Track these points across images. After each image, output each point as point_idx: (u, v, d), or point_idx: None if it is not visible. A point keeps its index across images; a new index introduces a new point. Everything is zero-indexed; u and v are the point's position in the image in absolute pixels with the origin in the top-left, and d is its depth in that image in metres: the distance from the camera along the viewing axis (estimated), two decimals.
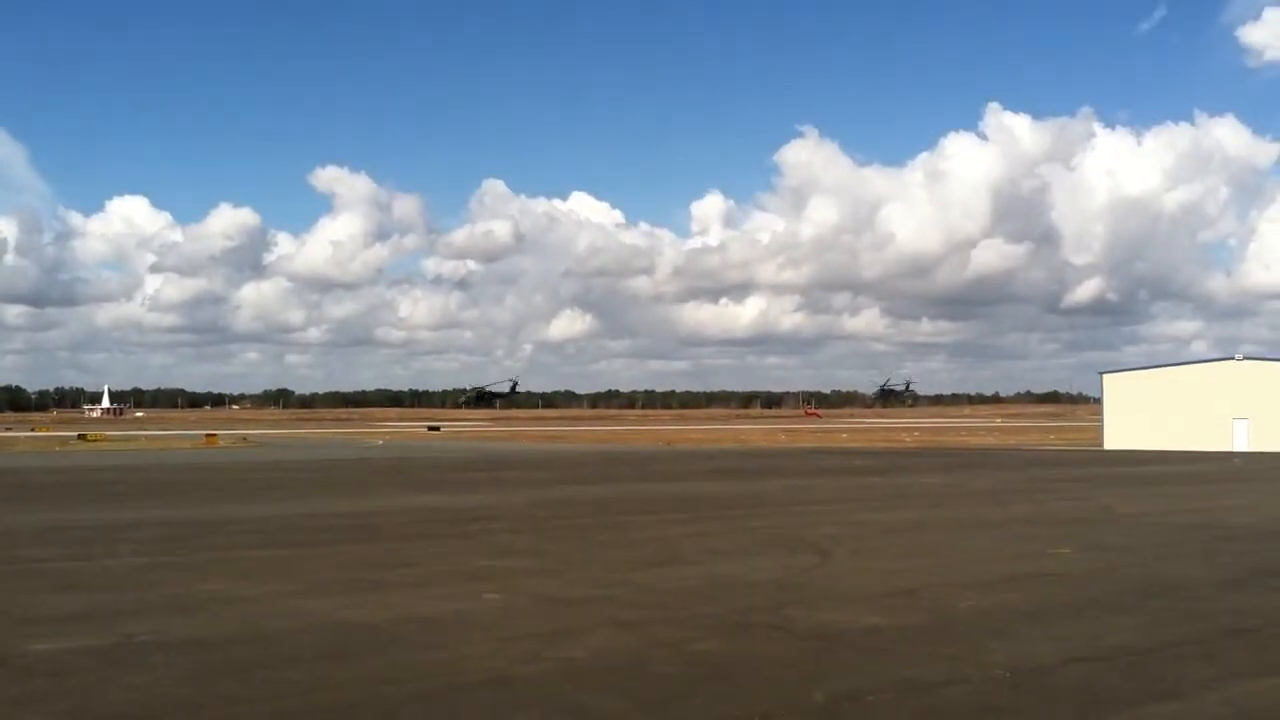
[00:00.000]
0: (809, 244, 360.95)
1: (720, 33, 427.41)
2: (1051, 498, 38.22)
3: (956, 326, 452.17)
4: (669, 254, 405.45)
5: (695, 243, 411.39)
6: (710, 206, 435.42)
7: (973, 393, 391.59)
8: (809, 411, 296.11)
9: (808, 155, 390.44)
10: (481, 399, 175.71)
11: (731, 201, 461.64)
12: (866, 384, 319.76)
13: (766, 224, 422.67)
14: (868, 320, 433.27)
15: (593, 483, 46.87)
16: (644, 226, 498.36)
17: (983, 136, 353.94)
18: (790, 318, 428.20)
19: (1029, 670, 12.40)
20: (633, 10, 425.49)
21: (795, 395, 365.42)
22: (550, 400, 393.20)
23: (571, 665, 12.63)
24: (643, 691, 11.56)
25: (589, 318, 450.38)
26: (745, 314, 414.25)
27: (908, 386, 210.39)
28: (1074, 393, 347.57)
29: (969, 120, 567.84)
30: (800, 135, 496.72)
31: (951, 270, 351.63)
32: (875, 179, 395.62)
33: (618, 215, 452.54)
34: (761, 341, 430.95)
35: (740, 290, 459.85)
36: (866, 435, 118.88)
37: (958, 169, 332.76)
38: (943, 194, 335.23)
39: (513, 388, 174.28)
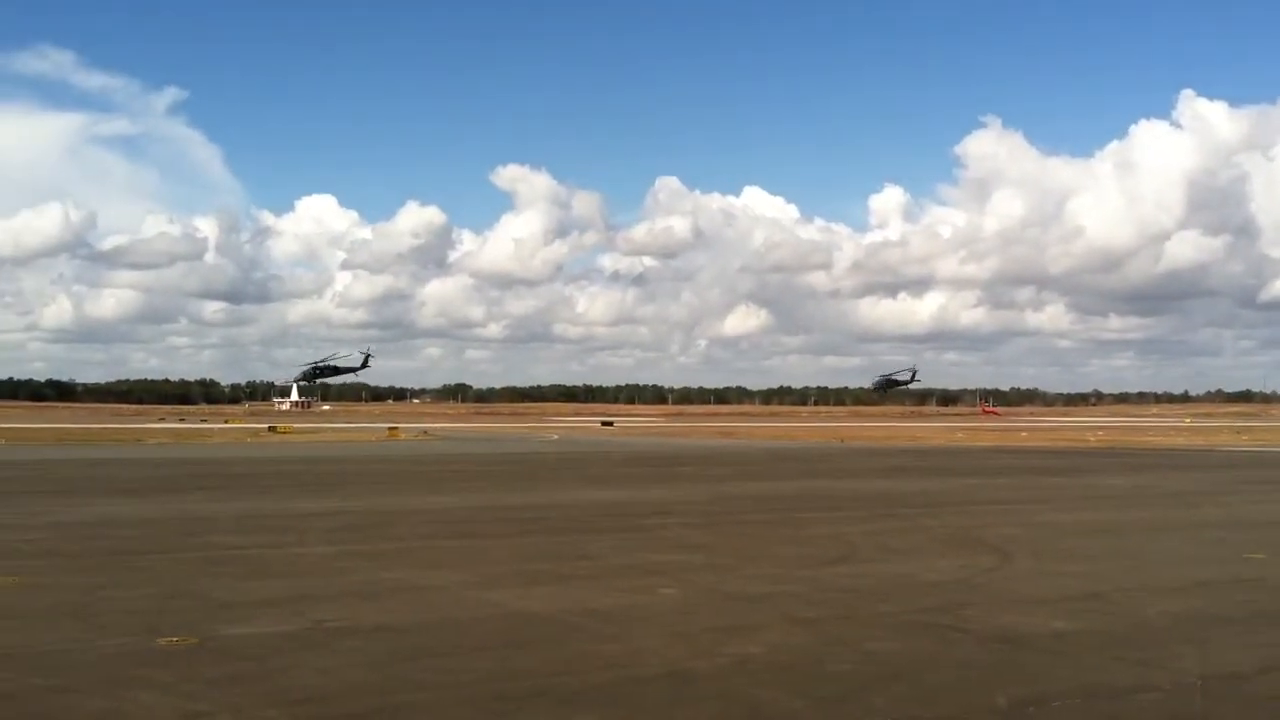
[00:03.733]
0: (992, 237, 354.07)
1: (897, 22, 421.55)
2: (1244, 500, 36.68)
3: (1146, 323, 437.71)
4: (847, 248, 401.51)
5: (873, 237, 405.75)
6: (889, 200, 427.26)
7: (1160, 391, 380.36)
8: (987, 409, 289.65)
9: (991, 146, 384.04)
10: (323, 373, 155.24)
11: (910, 194, 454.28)
12: (1050, 382, 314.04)
13: (947, 217, 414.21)
14: (1052, 316, 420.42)
15: (766, 479, 46.72)
16: (820, 221, 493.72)
17: (1176, 125, 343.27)
18: (970, 313, 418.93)
19: (1223, 678, 11.96)
20: (805, 4, 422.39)
21: (973, 393, 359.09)
22: (723, 396, 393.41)
23: (748, 661, 12.64)
24: (819, 689, 11.50)
25: (764, 313, 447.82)
26: (924, 309, 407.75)
27: (913, 376, 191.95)
28: (1268, 391, 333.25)
29: (1161, 108, 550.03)
30: (983, 126, 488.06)
31: (1142, 264, 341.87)
32: (1062, 170, 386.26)
33: (792, 210, 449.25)
34: (939, 337, 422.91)
35: (919, 285, 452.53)
36: (1048, 434, 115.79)
37: (1150, 159, 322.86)
38: (1134, 185, 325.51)
39: (364, 361, 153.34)
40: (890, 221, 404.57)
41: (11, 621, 14.77)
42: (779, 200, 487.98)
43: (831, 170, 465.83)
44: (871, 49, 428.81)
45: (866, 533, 25.76)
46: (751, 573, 19.38)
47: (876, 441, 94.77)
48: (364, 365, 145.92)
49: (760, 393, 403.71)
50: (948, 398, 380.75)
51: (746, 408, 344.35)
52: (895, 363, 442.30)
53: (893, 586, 18.01)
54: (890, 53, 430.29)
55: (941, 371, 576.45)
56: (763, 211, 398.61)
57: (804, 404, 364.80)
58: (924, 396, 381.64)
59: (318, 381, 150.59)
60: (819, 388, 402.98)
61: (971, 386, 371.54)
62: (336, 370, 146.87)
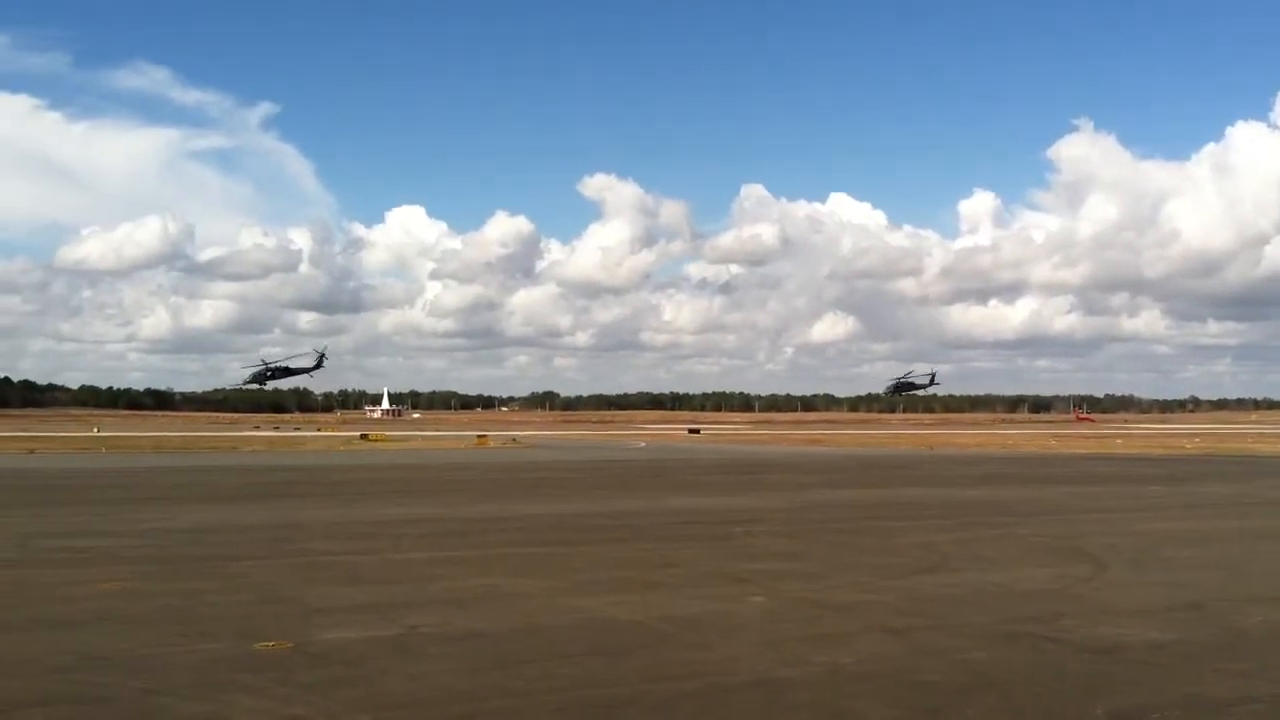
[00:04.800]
0: (1086, 242, 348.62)
1: (987, 25, 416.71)
2: None
3: (1244, 328, 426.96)
4: (937, 254, 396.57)
5: (963, 242, 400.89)
6: (979, 205, 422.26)
7: (1260, 397, 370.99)
8: (1080, 416, 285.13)
9: (1084, 149, 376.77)
10: (274, 375, 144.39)
11: (1001, 199, 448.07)
12: (1145, 388, 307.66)
13: (1039, 222, 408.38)
14: (1147, 321, 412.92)
15: (854, 487, 46.39)
16: (908, 227, 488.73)
17: (1275, 126, 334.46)
18: (1063, 319, 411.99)
19: None
20: (890, 9, 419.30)
21: (1066, 399, 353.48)
22: (810, 403, 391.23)
23: (839, 670, 12.55)
24: (912, 699, 11.39)
25: (851, 320, 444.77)
26: (1015, 315, 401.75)
27: (932, 380, 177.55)
28: None
29: (1258, 109, 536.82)
30: (1075, 129, 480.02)
31: (1241, 268, 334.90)
32: (1157, 173, 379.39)
33: (880, 216, 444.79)
34: (1031, 344, 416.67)
35: (1011, 291, 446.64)
36: (1143, 441, 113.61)
37: (1247, 161, 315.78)
38: (1231, 188, 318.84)
39: (318, 362, 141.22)
40: (981, 227, 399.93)
41: (114, 626, 15.12)
42: (866, 206, 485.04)
43: (920, 176, 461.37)
44: (961, 52, 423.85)
45: (958, 541, 25.44)
46: (840, 581, 19.24)
47: (966, 449, 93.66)
48: (318, 366, 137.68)
49: (848, 400, 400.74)
50: (1040, 404, 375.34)
51: (833, 415, 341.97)
52: (985, 370, 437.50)
53: (985, 596, 17.78)
54: (980, 56, 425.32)
55: (1033, 378, 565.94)
56: (850, 218, 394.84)
57: (892, 412, 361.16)
58: (1015, 403, 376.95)
59: (269, 384, 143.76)
60: (907, 395, 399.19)
61: (1064, 393, 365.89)
62: (289, 371, 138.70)
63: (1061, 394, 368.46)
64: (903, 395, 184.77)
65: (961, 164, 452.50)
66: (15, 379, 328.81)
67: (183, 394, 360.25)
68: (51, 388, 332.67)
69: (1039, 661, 13.19)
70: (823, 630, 14.96)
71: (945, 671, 12.51)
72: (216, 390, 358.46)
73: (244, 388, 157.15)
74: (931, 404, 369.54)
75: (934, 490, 43.79)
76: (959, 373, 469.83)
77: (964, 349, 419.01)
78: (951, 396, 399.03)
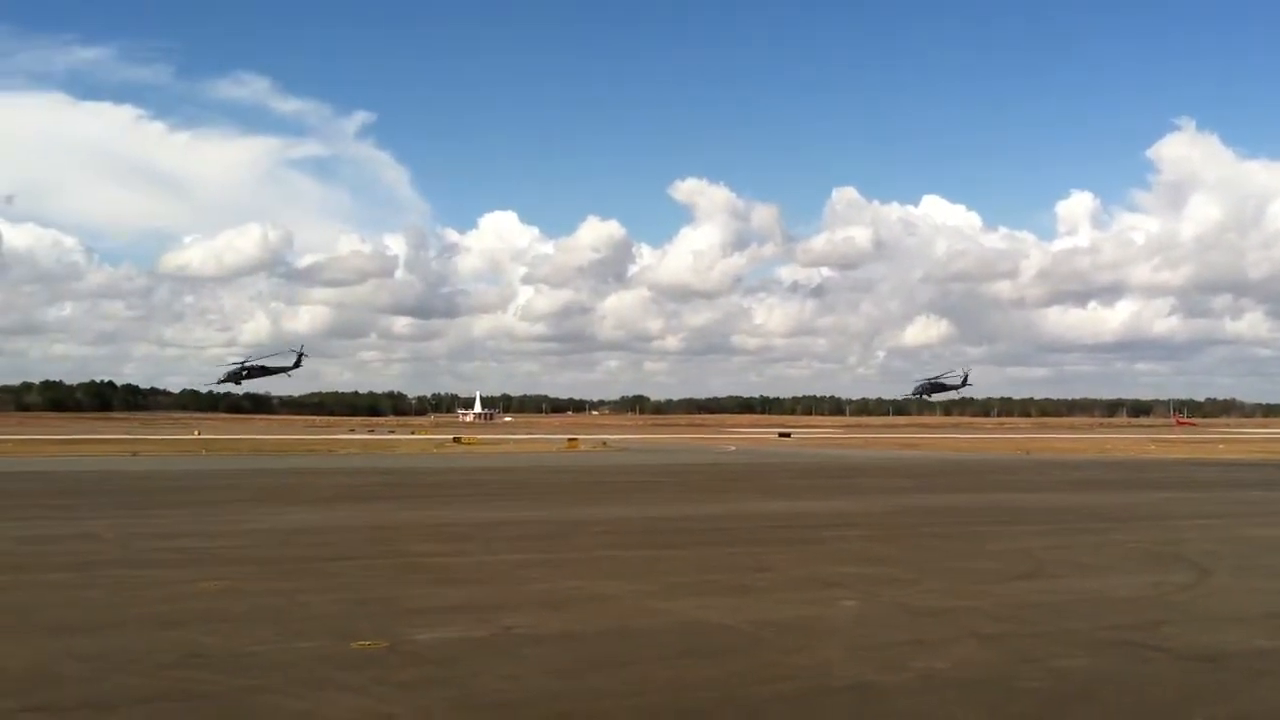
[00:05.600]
0: (1188, 243, 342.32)
1: (1084, 23, 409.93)
2: None
3: None
4: (1034, 256, 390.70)
5: (1062, 244, 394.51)
6: (1077, 206, 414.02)
7: None
8: (1180, 420, 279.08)
9: (1185, 149, 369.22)
10: (251, 374, 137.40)
11: (1100, 200, 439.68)
12: (1248, 392, 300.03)
13: (1139, 223, 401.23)
14: (1251, 323, 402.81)
15: (948, 491, 45.86)
16: (1004, 229, 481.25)
17: None
18: (1164, 321, 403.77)
19: None
20: (986, 8, 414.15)
21: (1165, 403, 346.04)
22: (902, 408, 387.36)
23: (934, 676, 12.41)
24: (1009, 707, 11.24)
25: (944, 323, 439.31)
26: (1114, 318, 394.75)
27: (964, 381, 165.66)
28: None
29: None
30: (1177, 128, 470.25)
31: None
32: (1260, 173, 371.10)
33: (974, 218, 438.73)
34: (1130, 347, 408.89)
35: (1110, 293, 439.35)
36: (1246, 446, 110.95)
37: None
38: None
39: (297, 361, 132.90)
40: (1079, 228, 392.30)
41: (215, 624, 15.42)
42: (960, 208, 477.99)
43: (1015, 177, 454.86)
44: (1056, 51, 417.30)
45: (1054, 547, 25.05)
46: (935, 586, 19.03)
47: (1063, 453, 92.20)
48: (296, 365, 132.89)
49: (940, 404, 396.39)
50: (1139, 409, 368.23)
51: (926, 419, 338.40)
52: (1082, 373, 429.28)
53: (1083, 602, 17.47)
54: (1077, 55, 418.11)
55: (1132, 382, 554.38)
56: (943, 220, 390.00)
57: (986, 415, 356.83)
58: (1114, 407, 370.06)
59: (243, 383, 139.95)
60: (1002, 399, 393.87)
61: (1164, 397, 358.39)
62: (266, 370, 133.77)
63: (1161, 398, 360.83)
64: (931, 397, 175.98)
65: (1059, 164, 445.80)
66: (119, 383, 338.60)
67: (280, 398, 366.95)
68: (154, 391, 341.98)
69: (1138, 669, 12.94)
70: (917, 636, 14.80)
71: (1042, 679, 12.32)
72: (313, 394, 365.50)
73: (218, 387, 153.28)
74: (1028, 409, 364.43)
75: (1030, 495, 43.18)
76: (1056, 376, 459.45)
77: (1061, 352, 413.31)
78: (1049, 400, 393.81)
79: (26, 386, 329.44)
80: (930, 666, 12.86)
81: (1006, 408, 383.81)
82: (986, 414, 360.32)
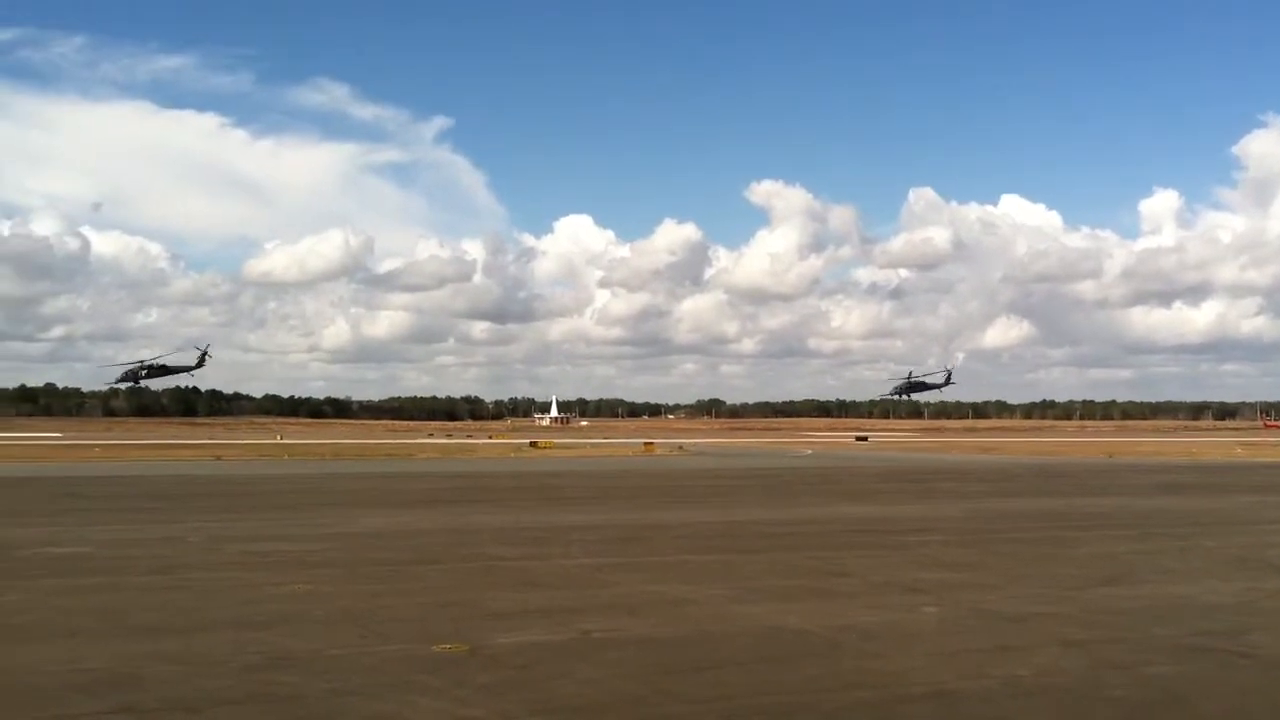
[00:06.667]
0: (1275, 241, 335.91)
1: (1167, 19, 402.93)
2: None
3: None
4: (1117, 256, 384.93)
5: (1145, 243, 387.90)
6: (1161, 204, 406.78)
7: None
8: (1269, 424, 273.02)
9: (1273, 145, 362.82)
10: (151, 373, 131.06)
11: (1184, 198, 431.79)
12: None
13: (1226, 221, 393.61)
14: None
15: (1030, 495, 45.28)
16: (1085, 229, 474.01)
17: None
18: (1251, 322, 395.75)
19: None
20: (1060, 7, 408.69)
21: (1253, 406, 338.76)
22: (981, 410, 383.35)
23: (1017, 683, 12.28)
24: (1095, 715, 11.11)
25: (1025, 324, 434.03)
26: (1200, 318, 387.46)
27: (948, 379, 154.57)
28: None
29: None
30: (1263, 124, 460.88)
31: None
32: None
33: (1055, 218, 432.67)
34: (1216, 347, 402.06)
35: (1195, 293, 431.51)
36: None
37: None
38: None
39: (200, 360, 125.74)
40: (1163, 227, 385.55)
41: (299, 626, 15.65)
42: (1040, 208, 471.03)
43: (1097, 175, 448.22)
44: (1138, 47, 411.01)
45: (1139, 552, 24.66)
46: (1017, 592, 18.81)
47: (1147, 457, 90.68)
48: (199, 364, 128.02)
49: (1021, 407, 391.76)
50: (1225, 411, 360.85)
51: (1006, 422, 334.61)
52: (1167, 375, 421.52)
53: (1169, 609, 17.19)
54: (1159, 51, 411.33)
55: (1218, 384, 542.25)
56: (1024, 220, 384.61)
57: (1068, 418, 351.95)
58: (1199, 410, 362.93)
59: (141, 383, 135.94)
60: (1084, 401, 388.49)
61: (1251, 399, 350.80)
62: (166, 370, 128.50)
63: (1248, 400, 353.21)
64: (910, 397, 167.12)
65: (1141, 162, 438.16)
66: (204, 388, 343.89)
67: (360, 402, 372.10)
68: (237, 396, 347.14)
69: (1226, 677, 12.71)
70: (999, 642, 14.65)
71: (1128, 686, 12.14)
72: (392, 398, 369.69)
73: (116, 386, 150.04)
74: (1111, 411, 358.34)
75: (1113, 499, 42.51)
76: (1139, 378, 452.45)
77: (1145, 354, 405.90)
78: (1132, 403, 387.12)
79: (114, 392, 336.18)
80: (1013, 674, 12.72)
81: (1089, 410, 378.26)
82: (1068, 417, 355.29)
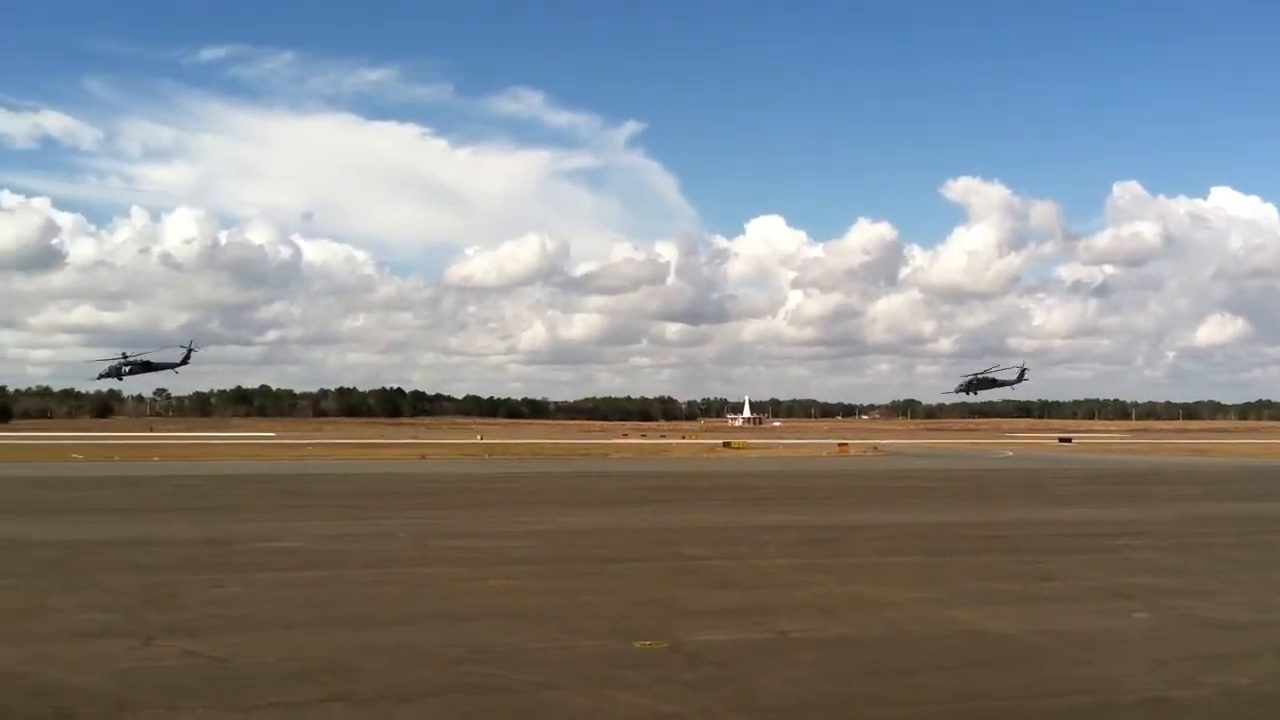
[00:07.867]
0: None
1: None
2: None
3: None
4: None
5: None
6: None
7: None
8: None
9: None
10: (134, 370, 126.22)
11: None
12: None
13: None
14: None
15: (1243, 499, 43.31)
16: None
17: None
18: None
19: None
20: None
21: None
22: (1193, 411, 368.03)
23: (1235, 693, 11.81)
24: None
25: (1240, 321, 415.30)
26: None
27: (1021, 375, 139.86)
28: None
29: None
30: None
31: None
32: None
33: (1270, 210, 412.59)
34: None
35: None
36: None
37: None
38: None
39: (185, 357, 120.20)
40: None
41: (501, 621, 16.03)
42: (1254, 200, 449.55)
43: None
44: None
45: None
46: (1233, 599, 18.05)
47: None
48: (184, 361, 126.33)
49: (1236, 407, 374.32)
50: None
51: (1220, 424, 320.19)
52: None
53: None
54: None
55: None
56: (1236, 213, 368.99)
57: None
58: None
59: (123, 379, 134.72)
60: None
61: None
62: (150, 366, 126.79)
63: None
64: (978, 394, 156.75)
65: None
66: (407, 390, 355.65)
67: (556, 403, 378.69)
68: (439, 397, 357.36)
69: None
70: (1215, 650, 14.08)
71: None
72: (587, 399, 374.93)
73: (100, 382, 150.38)
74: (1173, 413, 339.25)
75: None
76: None
77: None
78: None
79: (323, 393, 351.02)
80: (1230, 682, 12.23)
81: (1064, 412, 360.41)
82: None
